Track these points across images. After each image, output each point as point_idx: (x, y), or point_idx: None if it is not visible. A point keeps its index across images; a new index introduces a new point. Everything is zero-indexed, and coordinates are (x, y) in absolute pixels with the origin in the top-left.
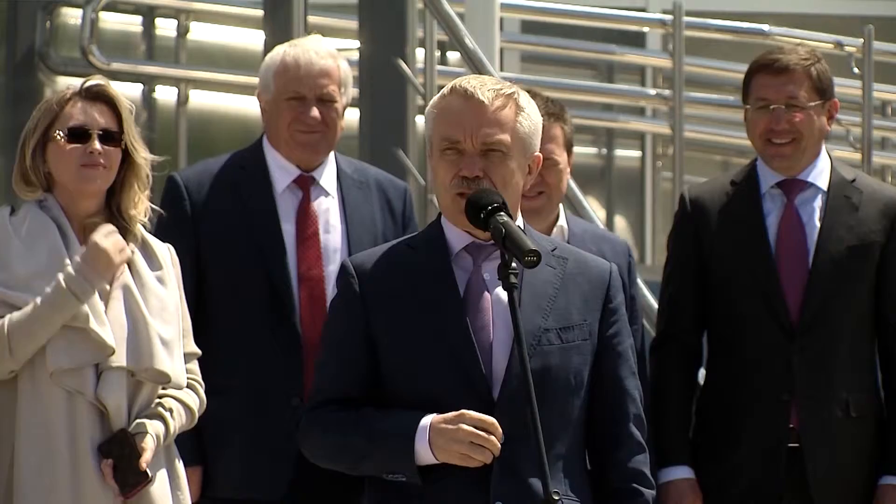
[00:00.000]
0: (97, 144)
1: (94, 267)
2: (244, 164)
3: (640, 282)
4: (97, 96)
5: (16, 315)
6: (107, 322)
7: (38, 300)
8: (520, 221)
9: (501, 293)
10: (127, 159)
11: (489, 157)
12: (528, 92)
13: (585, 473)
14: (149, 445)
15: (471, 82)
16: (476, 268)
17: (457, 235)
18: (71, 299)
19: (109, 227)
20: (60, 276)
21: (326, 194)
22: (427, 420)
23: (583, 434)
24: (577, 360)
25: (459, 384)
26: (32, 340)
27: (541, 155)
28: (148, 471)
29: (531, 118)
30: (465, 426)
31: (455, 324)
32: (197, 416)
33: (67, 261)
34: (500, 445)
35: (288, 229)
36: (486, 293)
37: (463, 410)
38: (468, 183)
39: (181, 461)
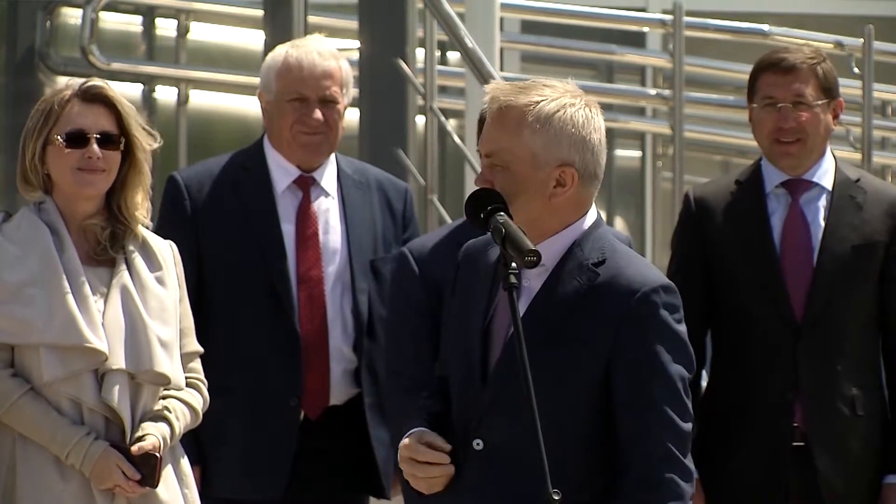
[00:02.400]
0: (96, 149)
1: (95, 473)
2: (245, 164)
3: None
4: (96, 98)
5: (27, 408)
6: (100, 326)
7: (49, 423)
8: (576, 228)
9: (525, 302)
10: (128, 159)
11: (494, 169)
12: None
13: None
14: (154, 443)
15: (496, 89)
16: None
17: None
18: (60, 452)
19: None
20: (76, 440)
21: (326, 195)
22: (409, 431)
23: (586, 454)
24: (572, 376)
25: (466, 378)
26: (19, 427)
27: (575, 169)
28: (155, 453)
29: (545, 130)
30: (406, 450)
31: (476, 318)
32: (201, 415)
33: (78, 324)
34: (438, 477)
35: (288, 230)
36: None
37: (422, 430)
38: None
39: (186, 459)
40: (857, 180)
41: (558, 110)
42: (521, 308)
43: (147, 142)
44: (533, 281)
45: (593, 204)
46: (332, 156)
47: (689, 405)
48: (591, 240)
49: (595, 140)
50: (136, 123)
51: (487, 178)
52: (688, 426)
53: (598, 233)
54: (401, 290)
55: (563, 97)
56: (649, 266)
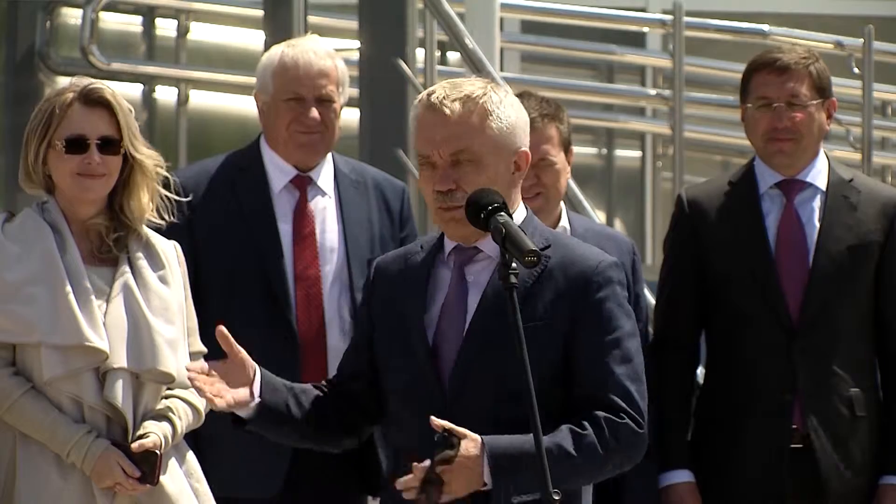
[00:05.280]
0: (95, 155)
1: (96, 471)
2: (241, 165)
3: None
4: (97, 102)
5: (27, 406)
6: (101, 326)
7: (49, 421)
8: (521, 214)
9: (476, 295)
10: (129, 160)
11: (460, 167)
12: (523, 93)
13: None
14: (155, 440)
15: (435, 93)
16: (458, 270)
17: (448, 239)
18: (61, 450)
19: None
20: (76, 439)
21: (323, 194)
22: None
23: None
24: (533, 355)
25: (414, 383)
26: (20, 425)
27: (527, 150)
28: (155, 451)
29: (503, 118)
30: None
31: (415, 324)
32: (203, 415)
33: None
34: None
35: (285, 229)
36: (465, 295)
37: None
38: (443, 197)
39: (192, 453)
40: (851, 180)
41: (504, 98)
42: (474, 302)
43: (142, 147)
44: (480, 275)
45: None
46: (329, 155)
47: (643, 385)
48: (530, 227)
49: (527, 125)
50: (134, 135)
51: (453, 178)
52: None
53: (535, 221)
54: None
55: (496, 87)
56: (592, 247)
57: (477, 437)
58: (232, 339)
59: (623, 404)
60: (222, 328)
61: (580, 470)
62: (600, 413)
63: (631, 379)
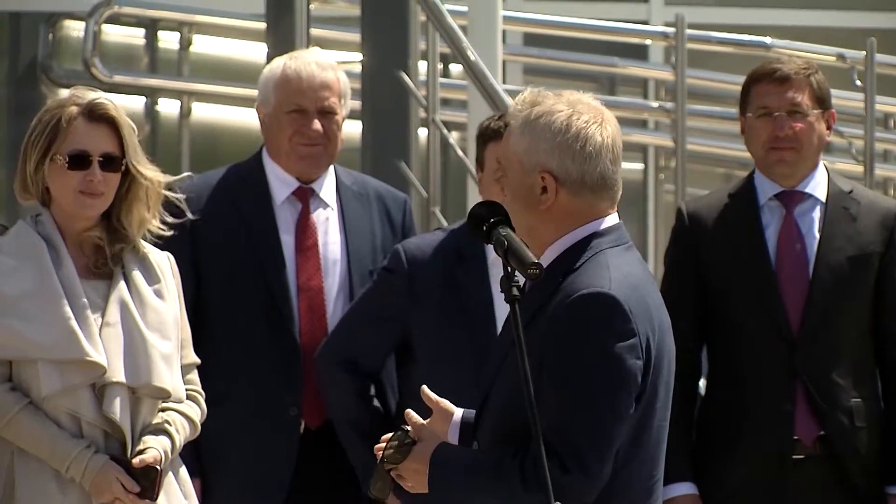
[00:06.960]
0: (97, 172)
1: (95, 486)
2: (243, 176)
3: None
4: (101, 118)
5: (26, 422)
6: (99, 341)
7: (48, 436)
8: (610, 221)
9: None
10: (129, 174)
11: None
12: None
13: None
14: (155, 456)
15: (518, 99)
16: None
17: None
18: (60, 465)
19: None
20: (75, 453)
21: (326, 206)
22: None
23: None
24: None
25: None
26: (18, 441)
27: (553, 174)
28: (156, 466)
29: (526, 136)
30: None
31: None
32: (199, 426)
33: (83, 343)
34: None
35: (287, 241)
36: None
37: None
38: None
39: (185, 469)
40: (850, 191)
41: (540, 116)
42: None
43: (144, 166)
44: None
45: (612, 215)
46: (331, 167)
47: (599, 426)
48: (582, 249)
49: (576, 147)
50: (137, 153)
51: (502, 187)
52: (576, 438)
53: (595, 242)
54: (383, 283)
55: (555, 105)
56: (604, 275)
57: (436, 442)
58: (434, 396)
59: (554, 444)
60: (425, 388)
61: (487, 493)
62: (533, 448)
63: (572, 419)
